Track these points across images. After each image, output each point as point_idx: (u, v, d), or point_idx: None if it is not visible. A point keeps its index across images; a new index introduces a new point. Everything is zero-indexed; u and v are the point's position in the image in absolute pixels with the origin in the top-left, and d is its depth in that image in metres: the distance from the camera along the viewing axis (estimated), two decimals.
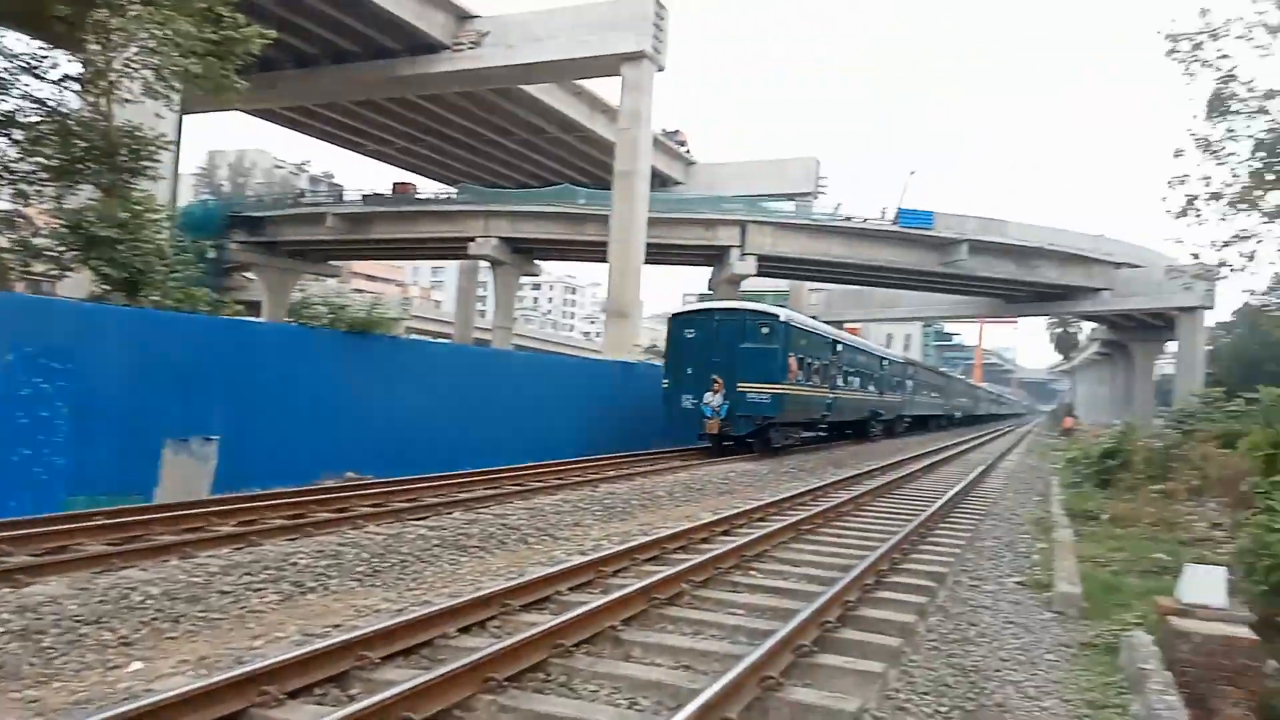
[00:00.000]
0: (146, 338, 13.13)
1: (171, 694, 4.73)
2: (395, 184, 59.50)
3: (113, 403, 12.34)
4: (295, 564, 8.60)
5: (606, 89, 47.85)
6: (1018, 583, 10.09)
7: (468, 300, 65.91)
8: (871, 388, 29.66)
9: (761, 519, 12.08)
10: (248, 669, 5.22)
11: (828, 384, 24.20)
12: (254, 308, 58.87)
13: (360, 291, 56.00)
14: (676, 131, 61.88)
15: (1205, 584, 7.98)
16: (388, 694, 4.84)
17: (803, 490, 15.20)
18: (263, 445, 14.34)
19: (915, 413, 38.41)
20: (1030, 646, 7.79)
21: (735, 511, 11.88)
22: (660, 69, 38.56)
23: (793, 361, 20.90)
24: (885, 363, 32.61)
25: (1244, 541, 8.81)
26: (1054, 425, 64.55)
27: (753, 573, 8.87)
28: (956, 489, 16.00)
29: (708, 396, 20.01)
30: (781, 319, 20.86)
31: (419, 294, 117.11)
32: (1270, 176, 21.30)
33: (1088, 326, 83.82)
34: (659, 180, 52.62)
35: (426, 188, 61.33)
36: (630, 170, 37.92)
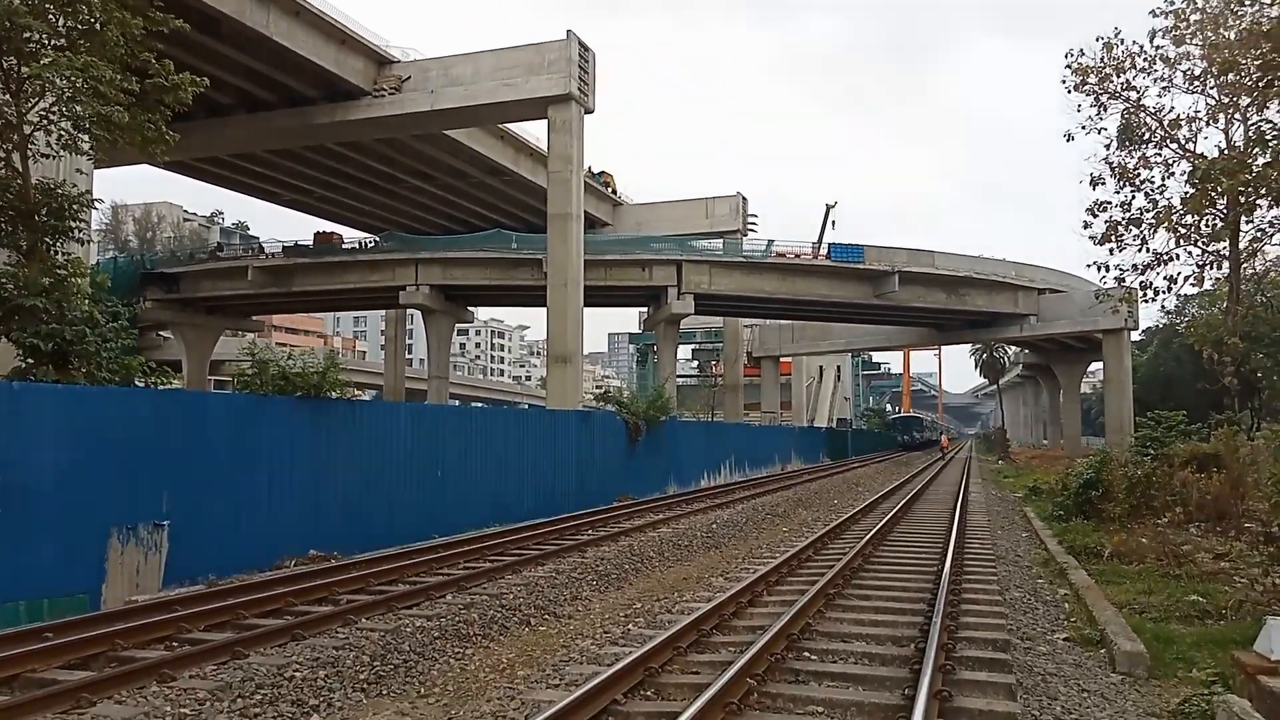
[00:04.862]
0: (83, 415, 11.73)
1: None
2: (317, 233, 57.29)
3: (48, 489, 10.93)
4: (291, 678, 7.51)
5: (532, 131, 47.29)
6: (1065, 639, 9.50)
7: (398, 351, 63.99)
8: (927, 433, 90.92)
9: (777, 582, 11.31)
10: None
11: (923, 432, 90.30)
12: (173, 367, 56.17)
13: (283, 345, 53.53)
14: (602, 173, 61.41)
15: None
16: None
17: (801, 546, 14.49)
18: (215, 528, 12.95)
19: (931, 438, 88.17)
20: (1117, 719, 7.17)
21: (755, 577, 11.04)
22: (589, 111, 37.91)
23: (920, 426, 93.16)
24: (925, 421, 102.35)
25: None
26: (988, 450, 66.67)
27: (807, 655, 8.06)
28: (954, 530, 15.61)
29: (905, 438, 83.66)
30: (918, 417, 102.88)
31: (343, 345, 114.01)
32: (1205, 201, 21.78)
33: (1012, 350, 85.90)
34: (588, 222, 51.85)
35: (349, 235, 59.53)
36: (564, 213, 37.04)
